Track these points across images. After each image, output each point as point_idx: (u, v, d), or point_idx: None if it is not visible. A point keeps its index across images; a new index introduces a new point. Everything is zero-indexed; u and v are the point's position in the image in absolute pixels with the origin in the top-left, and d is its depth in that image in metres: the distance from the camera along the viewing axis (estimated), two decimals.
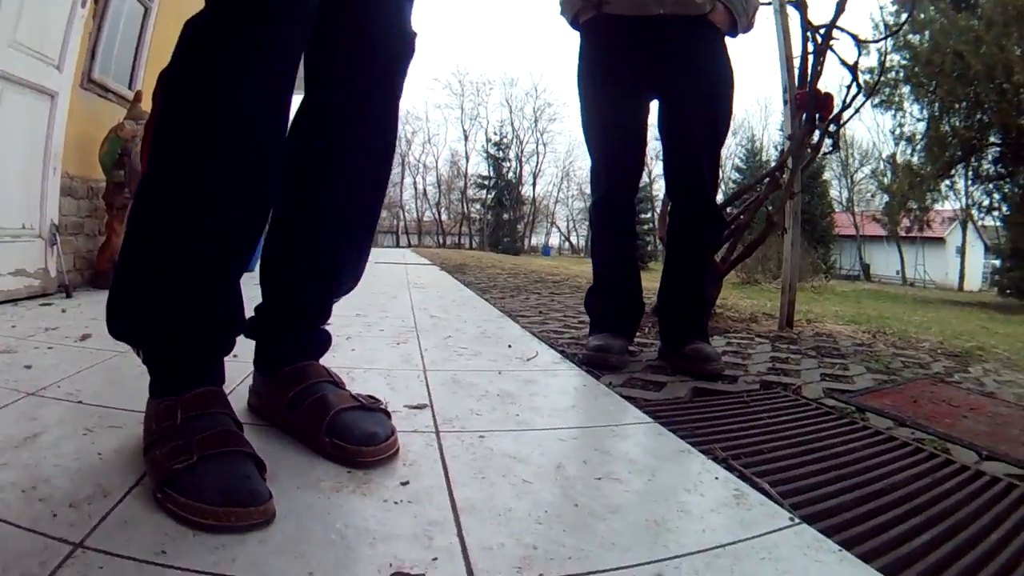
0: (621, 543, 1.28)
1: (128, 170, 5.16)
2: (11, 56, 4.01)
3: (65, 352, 2.68)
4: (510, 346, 3.42)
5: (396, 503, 1.40)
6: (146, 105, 5.47)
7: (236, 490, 1.27)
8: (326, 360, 1.92)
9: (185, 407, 1.46)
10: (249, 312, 1.78)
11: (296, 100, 1.68)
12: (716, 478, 1.70)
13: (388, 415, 1.76)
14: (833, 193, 53.10)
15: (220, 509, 1.23)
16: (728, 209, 5.19)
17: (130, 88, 5.99)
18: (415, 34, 1.83)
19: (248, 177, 1.51)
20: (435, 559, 1.18)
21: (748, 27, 3.33)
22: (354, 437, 1.60)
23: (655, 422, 2.17)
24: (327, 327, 1.96)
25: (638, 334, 3.53)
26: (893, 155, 29.72)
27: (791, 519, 1.46)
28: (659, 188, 45.04)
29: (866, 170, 54.65)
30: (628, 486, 1.58)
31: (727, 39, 3.30)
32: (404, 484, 1.49)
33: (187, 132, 1.47)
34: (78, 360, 2.50)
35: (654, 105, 3.38)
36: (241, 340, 1.71)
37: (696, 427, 2.25)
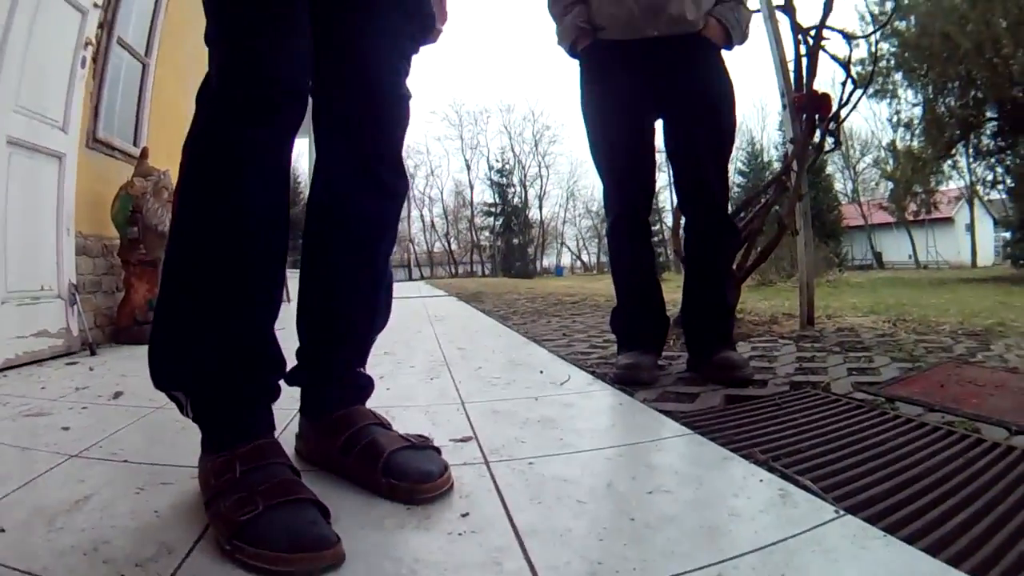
0: (680, 550, 1.34)
1: (141, 227, 5.17)
2: (16, 120, 4.03)
3: (100, 411, 2.68)
4: (541, 372, 3.46)
5: (460, 534, 1.44)
6: (153, 160, 5.55)
7: (305, 536, 1.31)
8: None
9: (243, 460, 1.50)
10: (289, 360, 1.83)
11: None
12: (760, 480, 1.76)
13: (438, 451, 1.82)
14: (838, 186, 53.08)
15: (292, 555, 1.27)
16: (740, 214, 5.25)
17: (135, 144, 6.04)
18: (410, 95, 1.94)
19: (265, 238, 1.63)
20: None
21: (743, 39, 3.35)
22: (410, 476, 1.65)
23: (694, 433, 2.23)
24: (364, 370, 2.03)
25: (664, 347, 3.59)
26: (893, 142, 29.55)
27: (836, 512, 1.53)
28: (664, 199, 45.13)
29: (868, 159, 54.54)
30: (678, 496, 1.64)
31: (723, 52, 3.34)
32: (464, 516, 1.54)
33: (204, 199, 1.59)
34: (114, 418, 2.50)
35: (659, 124, 3.42)
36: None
37: (734, 434, 2.31)
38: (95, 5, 4.75)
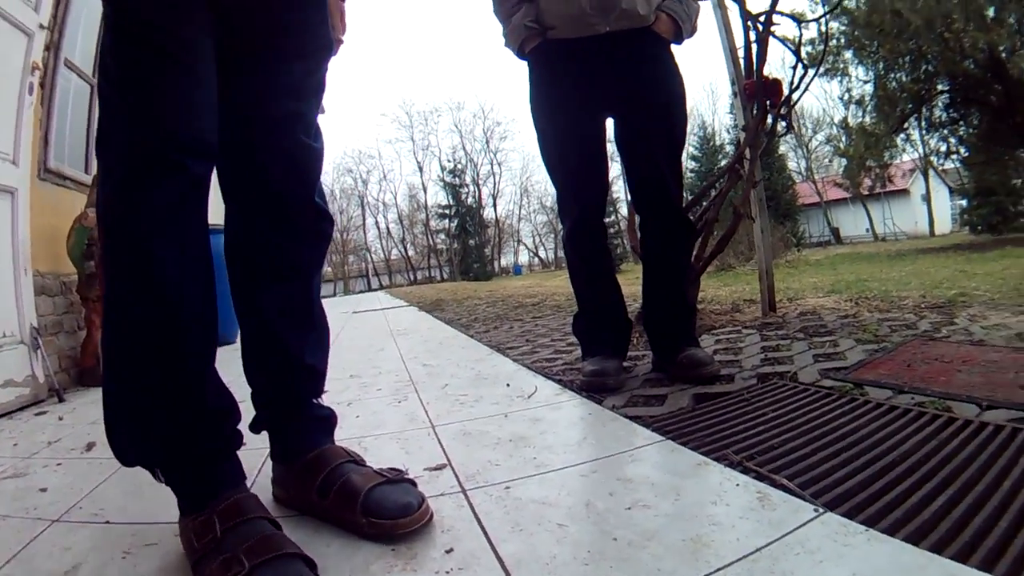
0: (666, 567, 1.34)
1: (98, 260, 4.99)
2: None
3: (75, 467, 2.64)
4: (508, 384, 3.44)
5: (447, 573, 1.42)
6: None
7: None
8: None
9: (222, 518, 1.48)
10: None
11: None
12: (737, 485, 1.76)
13: (414, 483, 1.80)
14: (791, 165, 53.44)
15: None
16: (696, 206, 5.26)
17: (86, 172, 5.91)
18: (321, 147, 1.93)
19: (191, 300, 1.56)
20: None
21: (692, 32, 3.32)
22: (388, 512, 1.63)
23: (666, 439, 2.23)
24: (324, 400, 2.02)
25: (628, 347, 3.56)
26: (845, 119, 29.78)
27: (815, 510, 1.53)
28: (617, 190, 45.37)
29: (820, 137, 55.10)
30: (658, 510, 1.64)
31: (673, 46, 3.31)
32: (449, 552, 1.52)
33: (120, 274, 1.54)
34: (90, 474, 2.47)
35: (610, 123, 3.40)
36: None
37: (706, 435, 2.31)
38: (41, 27, 4.62)
